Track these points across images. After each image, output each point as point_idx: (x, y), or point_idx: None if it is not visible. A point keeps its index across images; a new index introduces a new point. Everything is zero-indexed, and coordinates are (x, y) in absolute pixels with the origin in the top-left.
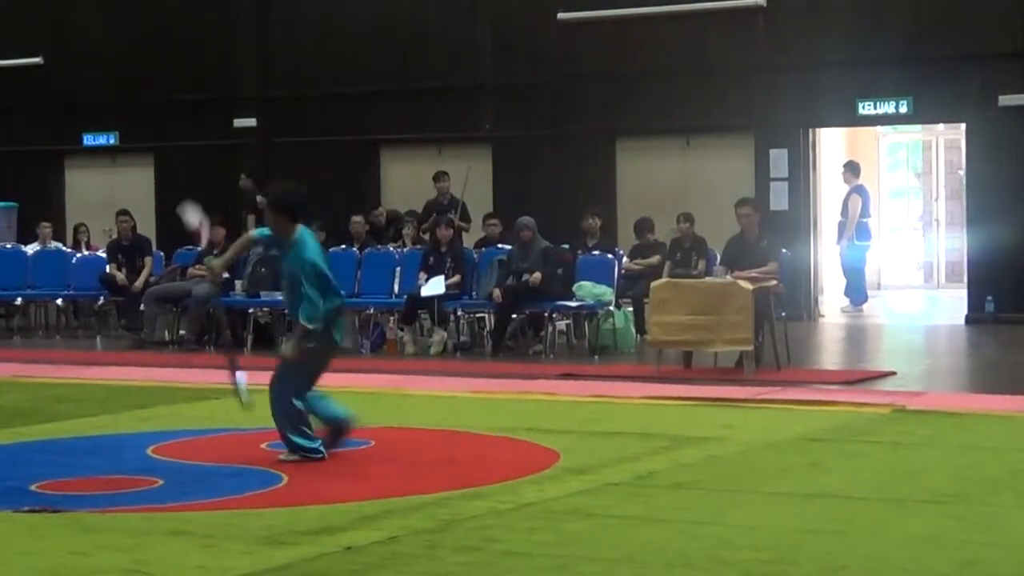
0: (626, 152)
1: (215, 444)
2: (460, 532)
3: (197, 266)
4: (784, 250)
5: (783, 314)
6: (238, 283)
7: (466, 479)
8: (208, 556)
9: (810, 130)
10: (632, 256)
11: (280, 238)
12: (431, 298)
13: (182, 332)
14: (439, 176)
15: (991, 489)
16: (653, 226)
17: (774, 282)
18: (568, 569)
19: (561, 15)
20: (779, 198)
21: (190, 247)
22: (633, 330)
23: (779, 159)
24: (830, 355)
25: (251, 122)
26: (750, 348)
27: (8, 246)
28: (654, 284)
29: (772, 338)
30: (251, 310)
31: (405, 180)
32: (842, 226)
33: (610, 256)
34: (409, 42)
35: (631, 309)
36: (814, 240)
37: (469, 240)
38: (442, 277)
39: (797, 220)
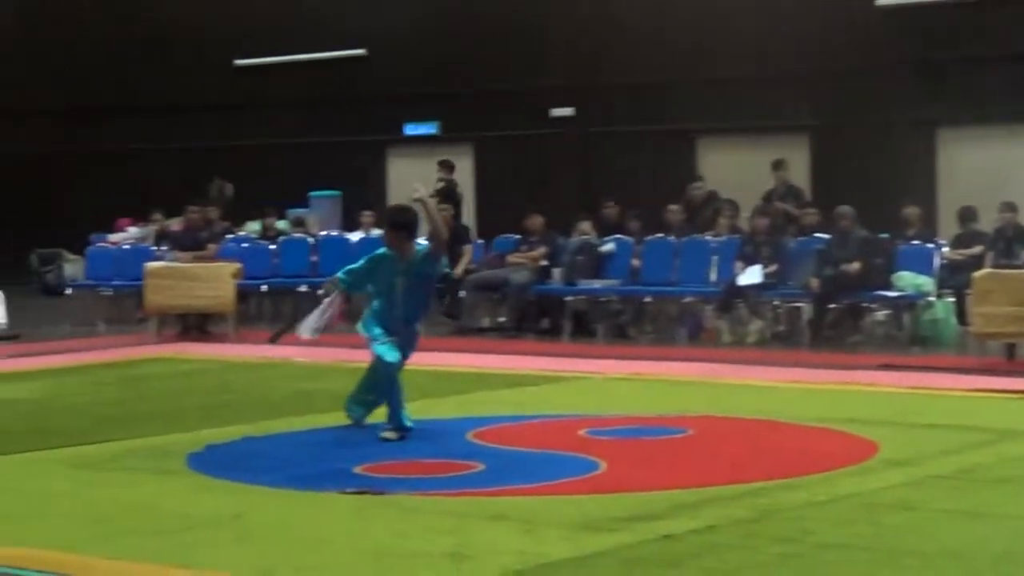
0: (947, 140)
1: (533, 430)
2: (777, 523)
3: (516, 253)
4: None
5: None
6: (556, 271)
7: (784, 469)
8: (527, 541)
9: None
10: (954, 246)
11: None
12: (748, 287)
13: (501, 319)
14: (778, 164)
15: None
16: (976, 215)
17: None
18: (888, 563)
19: (879, 1)
20: None
21: (508, 235)
22: (954, 321)
23: None
24: None
25: (569, 111)
26: None
27: (333, 233)
28: (976, 275)
29: None
30: (568, 298)
31: (721, 170)
32: None
33: (930, 246)
34: (728, 31)
35: (952, 300)
36: None
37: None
38: (759, 266)
39: None
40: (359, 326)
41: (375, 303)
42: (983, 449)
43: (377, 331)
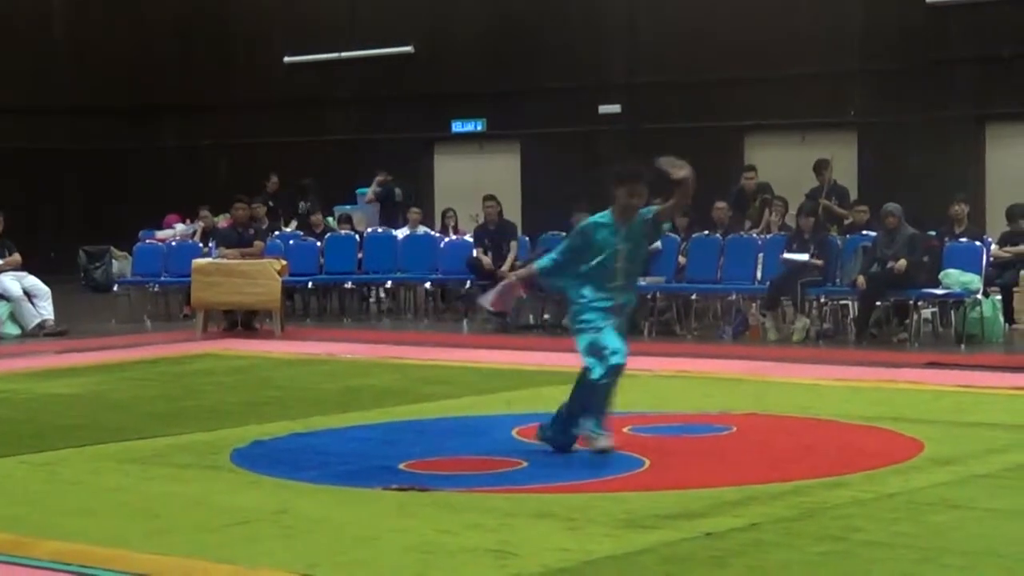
0: (996, 138)
1: None
2: (821, 521)
3: None
4: None
5: None
6: None
7: (828, 467)
8: (571, 538)
9: None
10: (1001, 243)
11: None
12: (794, 275)
13: (546, 316)
14: (821, 165)
15: None
16: None
17: None
18: (932, 561)
19: None
20: None
21: (554, 232)
22: (1002, 319)
23: None
24: None
25: (616, 108)
26: None
27: (380, 230)
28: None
29: None
30: None
31: (770, 165)
32: None
33: (978, 243)
34: (775, 28)
35: (999, 298)
36: None
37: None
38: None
39: None
40: (569, 322)
41: (585, 285)
42: None
43: (591, 316)
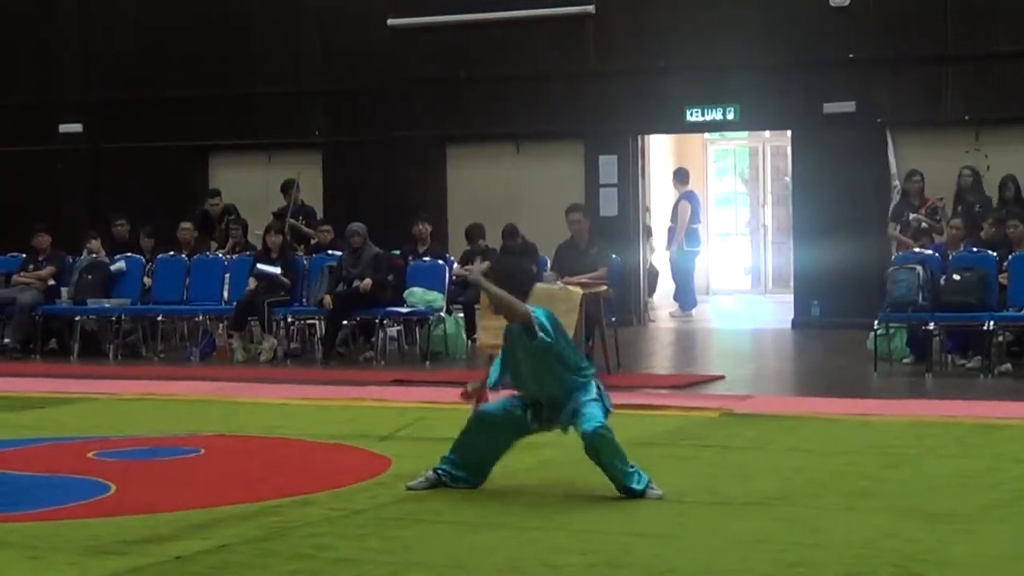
0: (456, 158)
1: (40, 453)
2: (292, 540)
3: (22, 274)
4: (614, 255)
5: (613, 319)
6: (64, 290)
7: (298, 486)
8: (33, 568)
9: (639, 136)
10: (463, 262)
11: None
12: (266, 273)
13: (6, 340)
14: (287, 185)
15: (816, 491)
16: (484, 232)
17: (604, 287)
18: (399, 575)
19: (391, 20)
20: (609, 204)
21: (14, 254)
22: (464, 336)
23: (608, 165)
24: (660, 359)
25: (77, 127)
26: None
27: None
28: None
29: (603, 343)
30: (77, 317)
31: (235, 186)
32: (672, 232)
33: (441, 262)
34: (235, 46)
35: (462, 315)
36: (642, 246)
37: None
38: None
39: (626, 226)
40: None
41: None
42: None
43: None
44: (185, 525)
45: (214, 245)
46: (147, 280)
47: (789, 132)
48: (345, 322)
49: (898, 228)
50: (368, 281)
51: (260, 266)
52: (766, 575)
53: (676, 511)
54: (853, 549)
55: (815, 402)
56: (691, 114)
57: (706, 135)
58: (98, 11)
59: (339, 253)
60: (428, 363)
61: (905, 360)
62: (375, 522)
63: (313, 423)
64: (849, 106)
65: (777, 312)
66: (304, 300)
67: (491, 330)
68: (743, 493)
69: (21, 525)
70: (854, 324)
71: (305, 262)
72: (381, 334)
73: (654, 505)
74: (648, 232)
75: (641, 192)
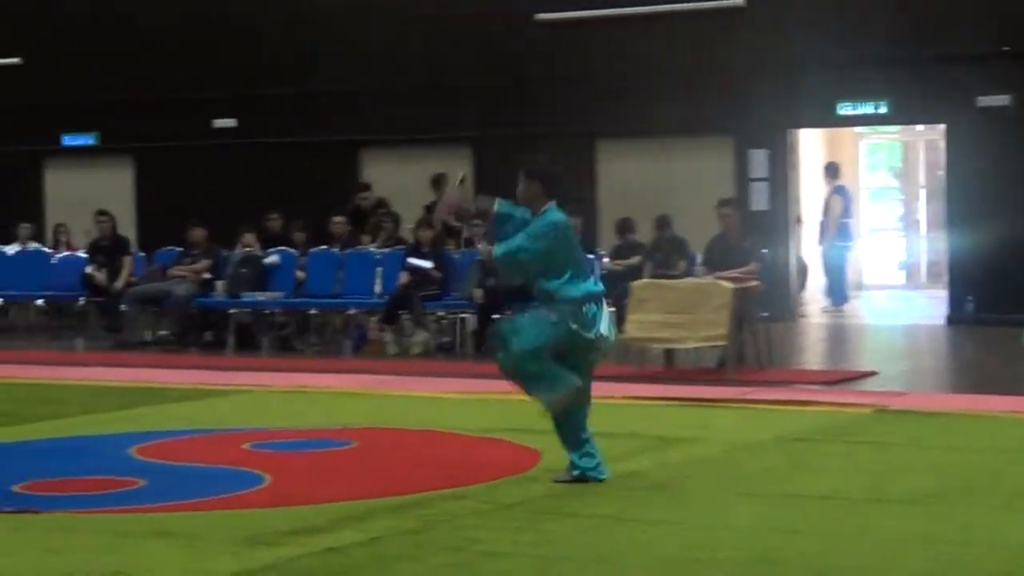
0: (606, 153)
1: (197, 444)
2: (443, 532)
3: (178, 267)
4: (764, 250)
5: (764, 314)
6: (219, 284)
7: (449, 479)
8: (191, 557)
9: (790, 131)
10: (613, 256)
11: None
12: (417, 266)
13: (163, 332)
14: (438, 180)
15: (972, 489)
16: (634, 227)
17: (755, 282)
18: (548, 570)
19: (540, 16)
20: (760, 198)
21: (171, 247)
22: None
23: (759, 160)
24: (811, 355)
25: (231, 122)
26: (724, 343)
27: None
28: (635, 284)
29: (754, 338)
30: (232, 311)
31: (385, 180)
32: (823, 226)
33: (591, 255)
34: (387, 41)
35: (613, 309)
36: (792, 240)
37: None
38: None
39: (777, 220)
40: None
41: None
42: (643, 455)
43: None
44: (338, 517)
45: (366, 239)
46: (300, 274)
47: (942, 126)
48: (496, 316)
49: None
50: None
51: (411, 260)
52: (922, 573)
53: (829, 508)
54: (1010, 549)
55: (971, 399)
56: (842, 108)
57: (858, 129)
58: (255, 9)
59: None
60: None
61: None
62: (525, 516)
63: (463, 416)
64: (1004, 99)
65: (931, 308)
66: (455, 294)
67: (639, 323)
68: (898, 491)
69: (180, 515)
70: (1010, 320)
71: (456, 256)
72: None
73: (807, 502)
74: (798, 220)
75: (792, 186)
